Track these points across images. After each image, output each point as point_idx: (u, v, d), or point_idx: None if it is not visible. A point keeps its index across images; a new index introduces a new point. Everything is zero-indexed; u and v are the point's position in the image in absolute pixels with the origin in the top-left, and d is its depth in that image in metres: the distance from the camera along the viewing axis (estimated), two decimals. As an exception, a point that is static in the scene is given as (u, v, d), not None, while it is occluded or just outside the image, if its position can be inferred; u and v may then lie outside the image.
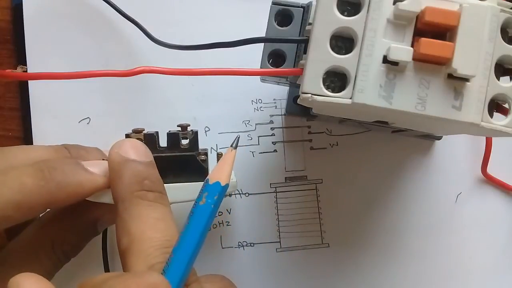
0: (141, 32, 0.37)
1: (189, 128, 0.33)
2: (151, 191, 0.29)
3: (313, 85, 0.25)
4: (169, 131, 0.33)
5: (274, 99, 0.40)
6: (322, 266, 0.40)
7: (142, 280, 0.24)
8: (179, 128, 0.33)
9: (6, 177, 0.28)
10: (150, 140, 0.33)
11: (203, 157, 0.33)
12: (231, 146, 0.30)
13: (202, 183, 0.32)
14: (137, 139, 0.32)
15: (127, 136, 0.33)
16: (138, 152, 0.30)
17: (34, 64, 0.39)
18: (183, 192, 0.33)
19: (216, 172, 0.30)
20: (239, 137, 0.31)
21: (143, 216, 0.28)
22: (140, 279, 0.24)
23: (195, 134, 0.33)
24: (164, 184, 0.32)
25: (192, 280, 0.28)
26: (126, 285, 0.24)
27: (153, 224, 0.28)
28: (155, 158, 0.32)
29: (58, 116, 0.40)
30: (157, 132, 0.33)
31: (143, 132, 0.33)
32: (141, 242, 0.27)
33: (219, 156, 0.35)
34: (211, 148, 0.40)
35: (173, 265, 0.26)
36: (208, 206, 0.28)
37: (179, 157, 0.33)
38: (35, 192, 0.28)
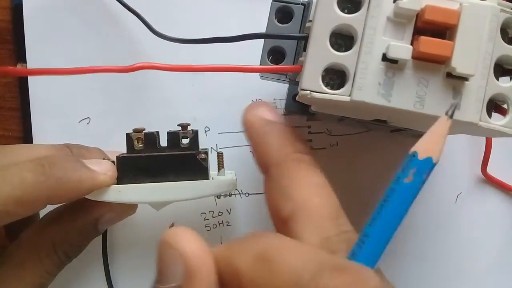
0: (142, 30, 0.37)
1: (189, 128, 0.33)
2: (305, 156, 0.27)
3: (312, 82, 0.25)
4: (170, 130, 0.33)
5: (274, 99, 0.40)
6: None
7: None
8: (180, 128, 0.33)
9: (6, 173, 0.28)
10: (151, 139, 0.33)
11: (203, 156, 0.33)
12: (446, 114, 0.23)
13: (202, 181, 0.32)
14: (137, 138, 0.33)
15: (128, 135, 0.33)
16: (276, 114, 0.28)
17: (34, 64, 0.39)
18: (183, 191, 0.33)
19: (427, 144, 0.24)
20: (455, 104, 0.23)
21: (305, 181, 0.26)
22: (364, 283, 0.20)
23: (195, 133, 0.33)
24: (165, 183, 0.32)
25: (378, 268, 0.24)
26: None
27: (317, 190, 0.26)
28: (155, 157, 0.32)
29: (58, 116, 0.40)
30: (157, 132, 0.33)
31: (144, 131, 0.33)
32: (309, 210, 0.25)
33: (219, 155, 0.35)
34: (211, 148, 0.40)
35: (368, 248, 0.23)
36: (415, 185, 0.24)
37: (179, 156, 0.33)
38: (35, 187, 0.28)
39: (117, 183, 0.32)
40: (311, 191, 0.25)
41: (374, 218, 0.24)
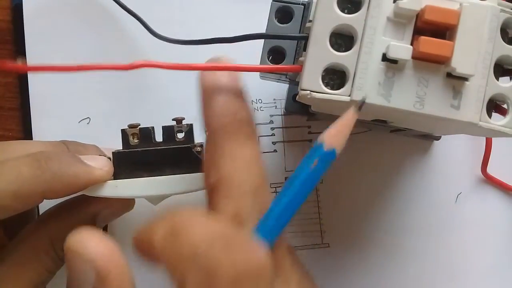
0: (142, 31, 0.37)
1: (184, 122, 0.33)
2: (244, 127, 0.26)
3: (312, 82, 0.25)
4: (164, 125, 0.33)
5: (274, 99, 0.40)
6: (322, 266, 0.40)
7: (251, 260, 0.22)
8: (174, 122, 0.33)
9: (3, 167, 0.28)
10: (146, 134, 0.33)
11: (198, 148, 0.33)
12: (355, 106, 0.24)
13: (198, 174, 0.32)
14: (133, 134, 0.33)
15: (123, 131, 0.33)
16: (231, 77, 0.27)
17: (34, 64, 0.40)
18: (180, 184, 0.32)
19: (334, 135, 0.26)
20: (364, 100, 0.25)
21: (235, 155, 0.26)
22: (248, 256, 0.22)
23: (190, 126, 0.33)
24: (161, 177, 0.32)
25: (282, 243, 0.25)
26: (233, 261, 0.22)
27: (245, 165, 0.26)
28: (151, 151, 0.32)
29: (58, 116, 0.40)
30: (152, 127, 0.33)
31: (139, 126, 0.33)
32: (231, 184, 0.25)
33: None
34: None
35: (269, 223, 0.24)
36: (318, 171, 0.25)
37: (175, 150, 0.33)
38: (31, 181, 0.28)
39: (114, 179, 0.32)
40: (238, 164, 0.25)
41: (279, 197, 0.25)
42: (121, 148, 0.33)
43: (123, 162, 0.32)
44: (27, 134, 0.39)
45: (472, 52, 0.24)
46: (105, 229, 0.38)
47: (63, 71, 0.29)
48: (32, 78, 0.39)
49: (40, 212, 0.35)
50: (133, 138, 0.33)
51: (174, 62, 0.29)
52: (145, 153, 0.32)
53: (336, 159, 0.25)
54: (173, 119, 0.33)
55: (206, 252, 0.22)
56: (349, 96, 0.25)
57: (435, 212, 0.40)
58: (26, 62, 0.37)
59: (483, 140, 0.40)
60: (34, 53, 0.40)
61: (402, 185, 0.40)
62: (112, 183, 0.32)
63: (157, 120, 0.39)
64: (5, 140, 0.40)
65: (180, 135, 0.33)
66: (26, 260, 0.32)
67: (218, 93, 0.27)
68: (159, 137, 0.33)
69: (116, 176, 0.32)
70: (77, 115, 0.40)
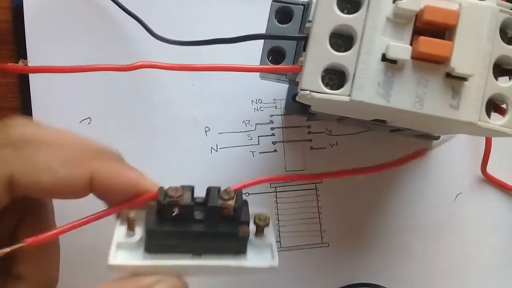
0: (142, 31, 0.37)
1: (230, 192, 0.27)
2: None
3: (311, 82, 0.25)
4: (209, 203, 0.27)
5: (274, 99, 0.40)
6: (322, 266, 0.40)
7: None
8: (220, 195, 0.27)
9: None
10: (186, 213, 0.27)
11: (245, 230, 0.27)
12: None
13: (236, 263, 0.28)
14: (172, 208, 0.27)
15: (159, 202, 0.27)
16: None
17: (35, 64, 0.40)
18: (213, 270, 0.28)
19: None
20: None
21: None
22: None
23: (240, 203, 0.27)
24: (196, 262, 0.27)
25: None
26: None
27: None
28: (188, 233, 0.27)
29: (59, 116, 0.40)
30: (194, 201, 0.28)
31: (179, 200, 0.27)
32: None
33: (259, 220, 0.29)
34: (211, 148, 0.40)
35: None
36: None
37: (217, 235, 0.27)
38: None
39: (144, 250, 0.28)
40: None
41: None
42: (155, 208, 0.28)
43: (155, 238, 0.27)
44: (27, 134, 0.39)
45: (471, 52, 0.24)
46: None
47: (64, 72, 0.29)
48: (33, 78, 0.39)
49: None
50: (170, 211, 0.27)
51: (174, 63, 0.29)
52: (182, 234, 0.27)
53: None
54: (211, 190, 0.28)
55: None
56: (349, 96, 0.25)
57: (434, 212, 0.40)
58: (27, 63, 0.37)
59: (482, 140, 0.40)
60: (35, 53, 0.40)
61: (402, 185, 0.40)
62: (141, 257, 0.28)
63: (157, 120, 0.40)
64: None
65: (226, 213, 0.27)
66: None
67: None
68: (199, 192, 0.28)
69: (147, 247, 0.28)
70: (78, 115, 0.40)
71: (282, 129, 0.40)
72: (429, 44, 0.24)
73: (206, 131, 0.40)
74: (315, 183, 0.40)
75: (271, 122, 0.40)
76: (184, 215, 0.27)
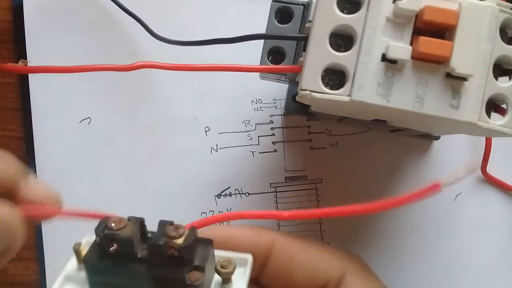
0: (142, 31, 0.37)
1: (182, 230, 0.23)
2: None
3: (311, 82, 0.25)
4: (151, 240, 0.23)
5: (274, 99, 0.40)
6: (322, 266, 0.40)
7: None
8: (166, 231, 0.23)
9: None
10: (127, 249, 0.23)
11: (197, 277, 0.23)
12: None
13: None
14: (110, 241, 0.23)
15: (97, 233, 0.23)
16: None
17: (34, 63, 0.40)
18: None
19: None
20: None
21: None
22: None
23: (190, 233, 0.23)
24: None
25: None
26: None
27: None
28: (128, 272, 0.23)
29: (59, 116, 0.40)
30: (134, 235, 0.23)
31: (119, 236, 0.22)
32: None
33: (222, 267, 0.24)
34: (211, 148, 0.40)
35: None
36: None
37: (163, 280, 0.23)
38: None
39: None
40: None
41: None
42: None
43: (95, 273, 0.24)
44: (27, 134, 0.40)
45: (471, 52, 0.24)
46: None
47: (64, 72, 0.29)
48: (33, 78, 0.40)
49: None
50: (109, 245, 0.23)
51: (174, 63, 0.29)
52: (121, 272, 0.23)
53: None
54: (163, 223, 0.23)
55: None
56: (349, 96, 0.25)
57: (434, 212, 0.40)
58: (27, 63, 0.37)
59: (482, 140, 0.40)
60: (35, 53, 0.40)
61: (401, 185, 0.40)
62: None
63: (157, 120, 0.40)
64: (6, 140, 0.40)
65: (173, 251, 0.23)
66: None
67: None
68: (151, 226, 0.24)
69: (90, 284, 0.24)
70: (78, 115, 0.40)
71: (282, 129, 0.40)
72: (429, 44, 0.24)
73: (206, 131, 0.40)
74: (315, 183, 0.40)
75: (271, 122, 0.40)
76: (125, 251, 0.23)
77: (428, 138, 0.39)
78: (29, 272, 0.39)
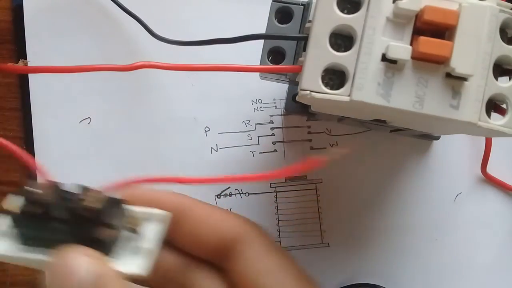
0: (142, 31, 0.37)
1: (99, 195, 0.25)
2: None
3: (311, 82, 0.25)
4: (71, 201, 0.25)
5: (274, 99, 0.40)
6: (322, 266, 0.40)
7: None
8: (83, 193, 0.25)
9: None
10: (49, 209, 0.24)
11: (108, 233, 0.25)
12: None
13: None
14: (32, 206, 0.24)
15: (30, 182, 0.25)
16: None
17: (34, 64, 0.40)
18: None
19: None
20: None
21: None
22: None
23: (104, 196, 0.25)
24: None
25: None
26: None
27: None
28: (49, 229, 0.25)
29: (59, 116, 0.40)
30: (61, 197, 0.25)
31: (38, 195, 0.24)
32: None
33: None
34: (211, 148, 0.40)
35: None
36: None
37: (81, 235, 0.24)
38: None
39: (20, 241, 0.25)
40: None
41: None
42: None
43: (20, 228, 0.25)
44: (27, 134, 0.40)
45: (471, 52, 0.24)
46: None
47: (63, 72, 0.29)
48: (33, 78, 0.40)
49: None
50: (33, 205, 0.24)
51: (174, 63, 0.29)
52: (44, 229, 0.25)
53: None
54: (77, 185, 0.25)
55: None
56: (349, 96, 0.25)
57: (434, 212, 0.40)
58: (27, 63, 0.37)
59: (482, 140, 0.40)
60: (35, 53, 0.40)
61: (401, 185, 0.40)
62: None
63: (157, 120, 0.40)
64: (6, 139, 0.40)
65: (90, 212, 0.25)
66: None
67: None
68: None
69: (19, 238, 0.25)
70: (78, 115, 0.40)
71: (282, 129, 0.40)
72: (429, 44, 0.24)
73: (206, 131, 0.40)
74: (315, 183, 0.40)
75: (271, 122, 0.40)
76: (47, 211, 0.24)
77: (428, 138, 0.39)
78: (29, 272, 0.39)
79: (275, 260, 0.29)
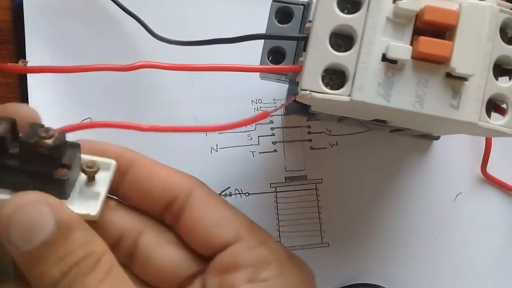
0: (142, 31, 0.37)
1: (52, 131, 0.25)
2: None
3: (312, 82, 0.25)
4: (23, 137, 0.24)
5: (274, 99, 0.40)
6: (322, 266, 0.40)
7: None
8: (38, 130, 0.25)
9: None
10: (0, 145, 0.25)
11: (63, 173, 0.25)
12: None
13: None
14: None
15: None
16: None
17: (34, 64, 0.40)
18: None
19: None
20: None
21: None
22: None
23: (60, 136, 0.25)
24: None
25: None
26: None
27: None
28: (1, 166, 0.25)
29: (59, 116, 0.40)
30: (14, 131, 0.25)
31: None
32: None
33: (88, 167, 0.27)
34: (211, 148, 0.40)
35: None
36: None
37: (34, 174, 0.25)
38: None
39: None
40: None
41: None
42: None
43: None
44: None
45: (471, 52, 0.24)
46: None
47: (63, 72, 0.29)
48: (33, 78, 0.39)
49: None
50: None
51: (174, 63, 0.29)
52: None
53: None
54: (34, 124, 0.25)
55: None
56: (349, 96, 0.25)
57: (434, 212, 0.40)
58: (27, 63, 0.37)
59: (482, 140, 0.40)
60: (35, 53, 0.40)
61: (402, 185, 0.40)
62: None
63: (157, 120, 0.40)
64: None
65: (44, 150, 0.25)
66: None
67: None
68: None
69: None
70: (78, 115, 0.40)
71: (282, 129, 0.40)
72: (429, 44, 0.24)
73: (206, 131, 0.40)
74: (315, 183, 0.40)
75: (271, 122, 0.40)
76: (1, 146, 0.24)
77: (428, 138, 0.39)
78: None
79: (221, 209, 0.30)
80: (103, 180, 0.28)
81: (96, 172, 0.27)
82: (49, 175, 0.25)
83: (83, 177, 0.27)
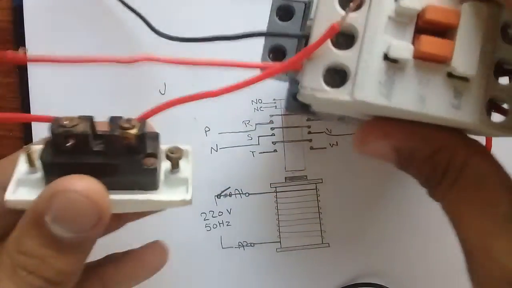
0: (143, 30, 0.37)
1: (134, 122, 0.25)
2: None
3: (312, 81, 0.25)
4: (107, 132, 0.24)
5: (274, 99, 0.40)
6: (322, 266, 0.40)
7: None
8: (119, 123, 0.25)
9: None
10: (83, 143, 0.24)
11: (151, 162, 0.25)
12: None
13: (145, 196, 0.25)
14: (66, 136, 0.24)
15: (53, 131, 0.24)
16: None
17: (35, 55, 0.40)
18: (120, 206, 0.25)
19: None
20: None
21: None
22: None
23: (142, 125, 0.25)
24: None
25: None
26: None
27: None
28: (86, 166, 0.24)
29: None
30: (91, 130, 0.24)
31: (74, 128, 0.24)
32: None
33: (171, 152, 0.27)
34: (211, 148, 0.40)
35: None
36: None
37: (121, 168, 0.25)
38: None
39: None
40: None
41: None
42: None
43: (52, 171, 0.24)
44: (27, 134, 0.40)
45: (472, 52, 0.24)
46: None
47: (64, 62, 0.29)
48: (32, 78, 0.39)
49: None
50: (64, 142, 0.24)
51: (175, 57, 0.29)
52: (79, 166, 0.24)
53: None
54: (113, 119, 0.25)
55: None
56: (350, 95, 0.24)
57: (434, 212, 0.40)
58: (27, 51, 0.37)
59: (482, 140, 0.39)
60: (35, 53, 0.39)
61: (402, 185, 0.40)
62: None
63: (157, 120, 0.39)
64: (6, 140, 0.40)
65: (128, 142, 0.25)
66: None
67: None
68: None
69: (47, 183, 0.25)
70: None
71: (282, 129, 0.40)
72: (430, 44, 0.24)
73: (206, 131, 0.40)
74: (315, 183, 0.40)
75: (271, 122, 0.40)
76: (81, 145, 0.24)
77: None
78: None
79: None
80: (185, 166, 0.28)
81: (180, 157, 0.27)
82: (138, 167, 0.25)
83: (165, 166, 0.27)
